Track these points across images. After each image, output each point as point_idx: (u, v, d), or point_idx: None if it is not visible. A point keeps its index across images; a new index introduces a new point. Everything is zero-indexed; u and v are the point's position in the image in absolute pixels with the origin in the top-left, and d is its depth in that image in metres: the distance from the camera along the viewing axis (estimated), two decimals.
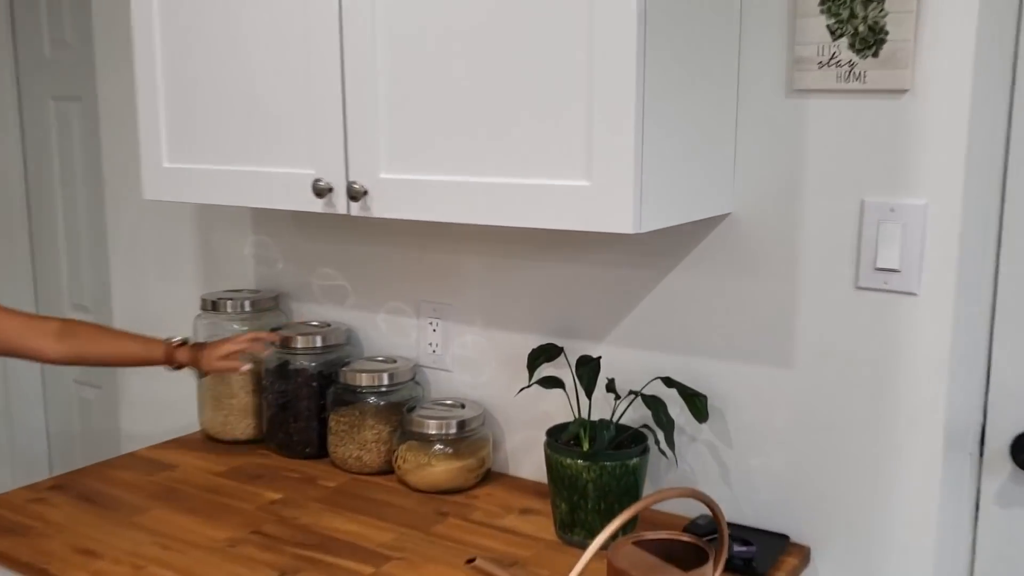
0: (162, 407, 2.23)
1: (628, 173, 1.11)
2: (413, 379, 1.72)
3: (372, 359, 1.75)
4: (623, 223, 1.13)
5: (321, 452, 1.75)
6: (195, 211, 2.08)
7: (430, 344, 1.74)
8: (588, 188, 1.14)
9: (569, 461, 1.36)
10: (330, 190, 1.37)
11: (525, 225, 1.20)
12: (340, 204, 1.37)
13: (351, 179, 1.35)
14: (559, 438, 1.42)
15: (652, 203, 1.15)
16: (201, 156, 1.54)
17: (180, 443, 1.86)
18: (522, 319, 1.63)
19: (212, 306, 1.84)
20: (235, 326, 1.83)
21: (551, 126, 1.16)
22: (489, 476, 1.66)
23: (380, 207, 1.33)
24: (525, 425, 1.65)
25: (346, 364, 1.72)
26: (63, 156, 2.57)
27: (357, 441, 1.67)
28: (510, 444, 1.67)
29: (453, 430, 1.59)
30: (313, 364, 1.74)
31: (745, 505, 1.43)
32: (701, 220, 1.41)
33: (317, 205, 1.39)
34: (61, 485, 1.63)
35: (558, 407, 1.60)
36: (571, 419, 1.54)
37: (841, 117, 1.28)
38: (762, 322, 1.38)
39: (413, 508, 1.54)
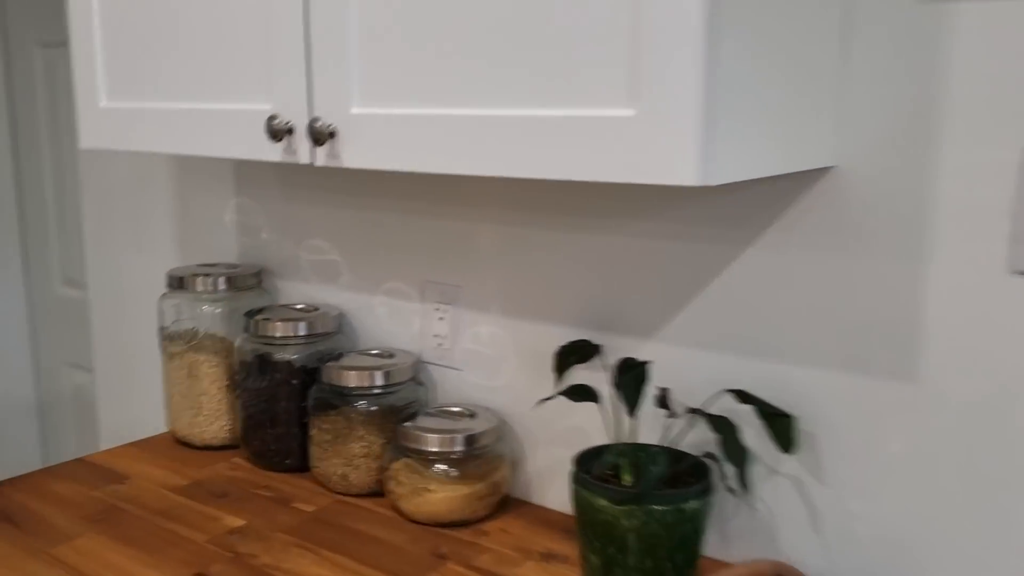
0: (142, 400, 1.93)
1: (692, 96, 0.75)
2: (414, 379, 1.37)
3: (366, 352, 1.41)
4: (683, 171, 0.76)
5: (304, 464, 1.42)
6: (172, 170, 1.76)
7: (436, 336, 1.39)
8: (634, 120, 0.78)
9: (603, 503, 1.00)
10: (289, 131, 1.03)
11: (543, 176, 0.84)
12: (302, 150, 1.03)
13: (314, 115, 1.00)
14: (590, 468, 1.06)
15: (725, 145, 0.79)
16: (142, 93, 1.21)
17: (144, 447, 1.55)
18: (550, 307, 1.27)
19: (179, 284, 1.51)
20: (205, 307, 1.50)
21: (579, 23, 0.80)
22: (506, 504, 1.31)
23: (352, 153, 0.98)
24: (552, 441, 1.30)
25: (335, 358, 1.38)
26: (51, 109, 2.28)
27: (343, 455, 1.33)
28: (533, 464, 1.32)
29: (459, 447, 1.24)
30: (296, 357, 1.40)
31: (842, 564, 1.06)
32: (793, 175, 1.03)
33: (274, 152, 1.05)
34: None
35: (595, 419, 1.25)
36: (609, 441, 1.18)
37: (1000, 28, 0.89)
38: (875, 317, 1.00)
39: (404, 546, 1.20)
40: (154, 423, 1.85)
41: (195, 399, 1.50)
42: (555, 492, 1.30)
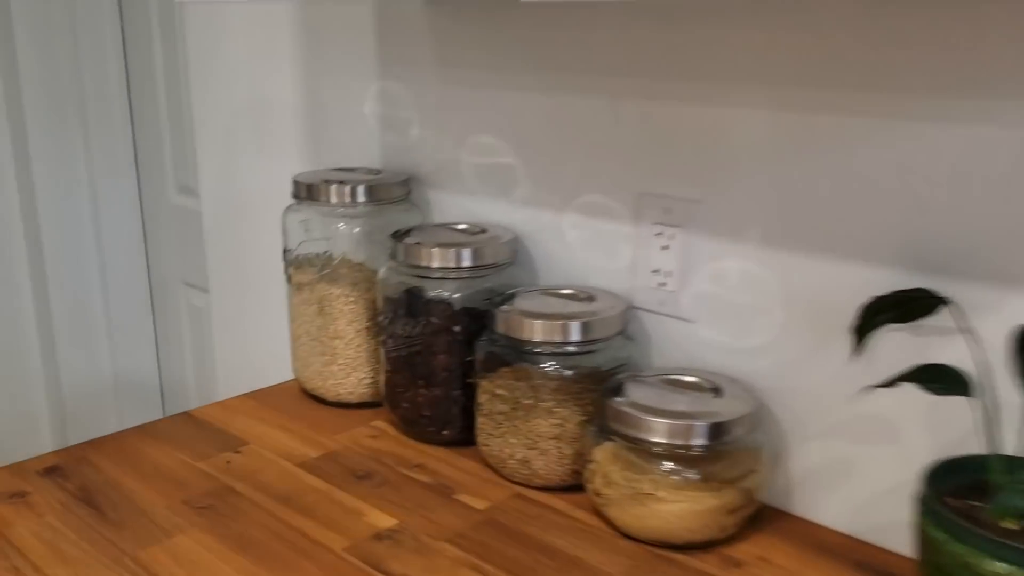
0: (264, 334, 1.61)
1: None
2: (623, 333, 0.98)
3: (553, 292, 1.03)
4: None
5: (467, 438, 1.07)
6: (297, 48, 1.39)
7: (656, 272, 1.00)
8: None
9: (998, 568, 0.60)
10: None
11: None
12: None
13: None
14: (950, 493, 0.66)
15: None
16: None
17: (265, 399, 1.22)
18: (847, 234, 0.86)
19: (307, 193, 1.15)
20: (341, 225, 1.15)
21: None
22: (760, 518, 0.93)
23: None
24: (832, 432, 0.90)
25: (510, 299, 1.01)
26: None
27: (524, 433, 0.97)
28: (800, 462, 0.93)
29: (701, 439, 0.86)
30: (457, 296, 1.04)
31: None
32: None
33: None
34: (59, 467, 1.02)
35: (903, 407, 0.84)
36: (979, 449, 0.77)
37: None
38: None
39: None
40: (277, 365, 1.53)
41: (327, 343, 1.16)
42: (836, 504, 0.91)
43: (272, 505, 0.95)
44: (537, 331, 0.95)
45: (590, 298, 1.01)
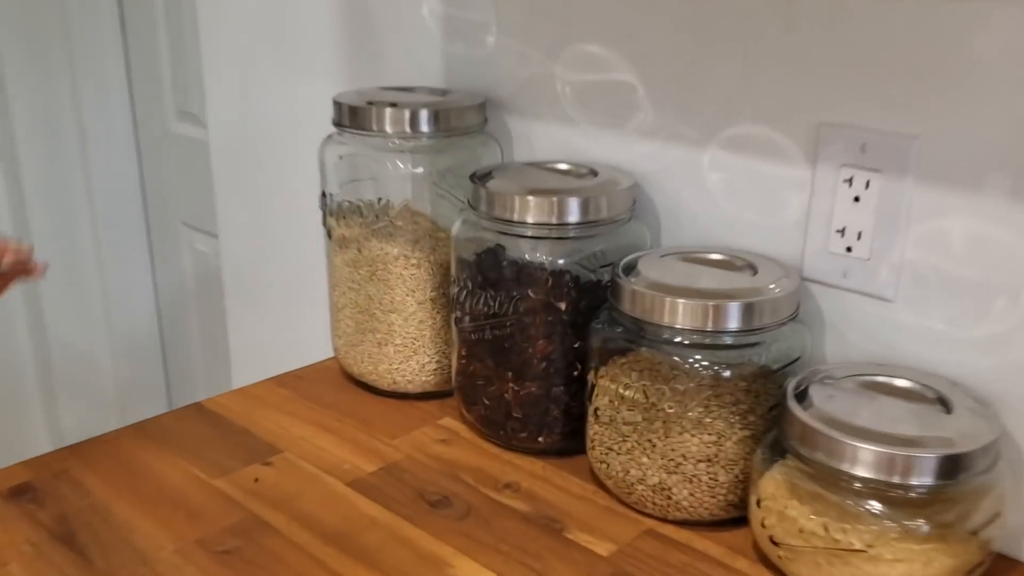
0: (294, 303, 1.34)
1: None
2: (796, 315, 0.72)
3: (695, 257, 0.77)
4: None
5: (569, 447, 0.81)
6: None
7: (841, 232, 0.73)
8: None
9: None
10: None
11: None
12: None
13: None
14: None
15: None
16: None
17: (297, 385, 0.96)
18: None
19: (352, 119, 0.88)
20: (398, 163, 0.87)
21: None
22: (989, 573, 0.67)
23: None
24: None
25: (632, 267, 0.75)
26: None
27: (661, 451, 0.71)
28: None
29: (930, 475, 0.60)
30: (562, 261, 0.77)
31: None
32: None
33: None
34: (30, 487, 0.77)
35: None
36: None
37: None
38: None
39: None
40: (313, 339, 1.25)
41: (381, 318, 0.89)
42: None
43: (319, 549, 0.70)
44: (682, 313, 0.69)
45: (749, 267, 0.74)
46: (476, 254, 0.81)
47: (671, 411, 0.70)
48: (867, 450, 0.61)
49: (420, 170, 0.87)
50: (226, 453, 0.83)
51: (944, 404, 0.65)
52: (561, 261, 0.77)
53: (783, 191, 0.76)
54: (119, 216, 1.87)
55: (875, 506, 0.62)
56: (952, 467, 0.61)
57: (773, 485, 0.67)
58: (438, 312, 0.89)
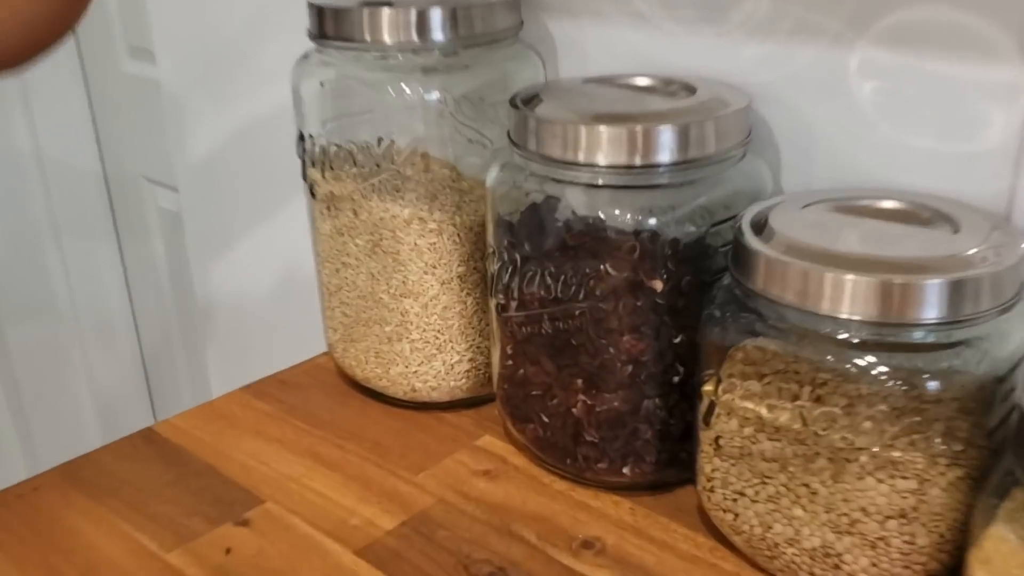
0: (271, 275, 1.09)
1: None
2: (1020, 297, 0.47)
3: (854, 206, 0.52)
4: None
5: (666, 477, 0.58)
6: None
7: None
8: None
9: None
10: None
11: None
12: None
13: None
14: None
15: None
16: None
17: (284, 396, 0.72)
18: None
19: (336, 25, 0.62)
20: (405, 89, 0.62)
21: None
22: None
23: None
24: None
25: (759, 224, 0.50)
26: None
27: (826, 500, 0.47)
28: None
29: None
30: (652, 220, 0.53)
31: None
32: None
33: None
34: None
35: None
36: None
37: None
38: None
39: None
40: (301, 328, 1.00)
41: (391, 305, 0.65)
42: None
43: None
44: (853, 297, 0.45)
45: (944, 220, 0.49)
46: (524, 212, 0.57)
47: (845, 444, 0.46)
48: None
49: (435, 96, 0.61)
50: (186, 507, 0.59)
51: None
52: (652, 221, 0.53)
53: (981, 103, 0.51)
54: (73, 175, 1.61)
55: None
56: None
57: (1007, 548, 0.43)
58: (469, 294, 0.65)
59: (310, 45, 0.65)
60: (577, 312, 0.55)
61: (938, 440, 0.45)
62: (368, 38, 0.61)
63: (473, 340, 0.66)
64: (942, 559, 0.48)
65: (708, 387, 0.52)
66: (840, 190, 0.55)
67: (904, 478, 0.46)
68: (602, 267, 0.53)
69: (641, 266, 0.53)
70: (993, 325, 0.46)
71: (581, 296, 0.54)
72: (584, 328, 0.55)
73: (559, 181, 0.55)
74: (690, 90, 0.57)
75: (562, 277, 0.55)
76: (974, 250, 0.46)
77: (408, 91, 0.62)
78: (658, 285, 0.53)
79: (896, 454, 0.46)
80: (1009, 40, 0.49)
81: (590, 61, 0.67)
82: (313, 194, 0.67)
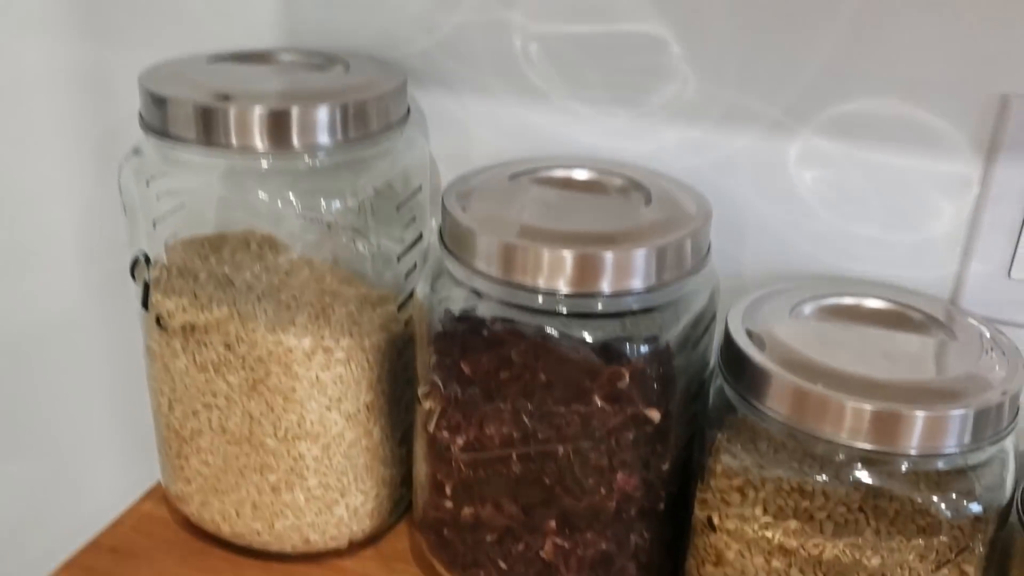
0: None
1: None
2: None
3: (839, 305, 0.50)
4: None
5: None
6: None
7: None
8: None
9: None
10: None
11: None
12: None
13: None
14: None
15: None
16: None
17: (126, 565, 0.57)
18: None
19: (203, 123, 0.48)
20: (290, 200, 0.50)
21: None
22: None
23: None
24: None
25: (758, 338, 0.47)
26: None
27: None
28: None
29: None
30: (645, 348, 0.47)
31: None
32: None
33: None
34: None
35: None
36: None
37: None
38: None
39: None
40: (117, 461, 0.80)
41: (278, 451, 0.53)
42: None
43: None
44: (870, 427, 0.43)
45: (938, 327, 0.49)
46: (470, 334, 0.49)
47: (887, 571, 0.44)
48: None
49: (338, 205, 0.50)
50: None
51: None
52: (645, 348, 0.47)
53: (928, 194, 0.52)
54: None
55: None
56: None
57: None
58: (375, 422, 0.55)
59: (137, 140, 0.51)
60: (558, 452, 0.48)
61: (973, 565, 0.45)
62: (235, 142, 0.48)
63: (380, 474, 0.56)
64: None
65: (716, 520, 0.48)
66: (829, 290, 0.52)
67: None
68: (593, 401, 0.47)
69: (634, 396, 0.47)
70: (1002, 446, 0.46)
71: (564, 435, 0.48)
72: (566, 468, 0.48)
73: (515, 306, 0.47)
74: (642, 189, 0.52)
75: (539, 414, 0.48)
76: (984, 365, 0.46)
77: (296, 202, 0.50)
78: (655, 415, 0.48)
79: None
80: (960, 134, 0.50)
81: (474, 142, 0.59)
82: (160, 325, 0.53)
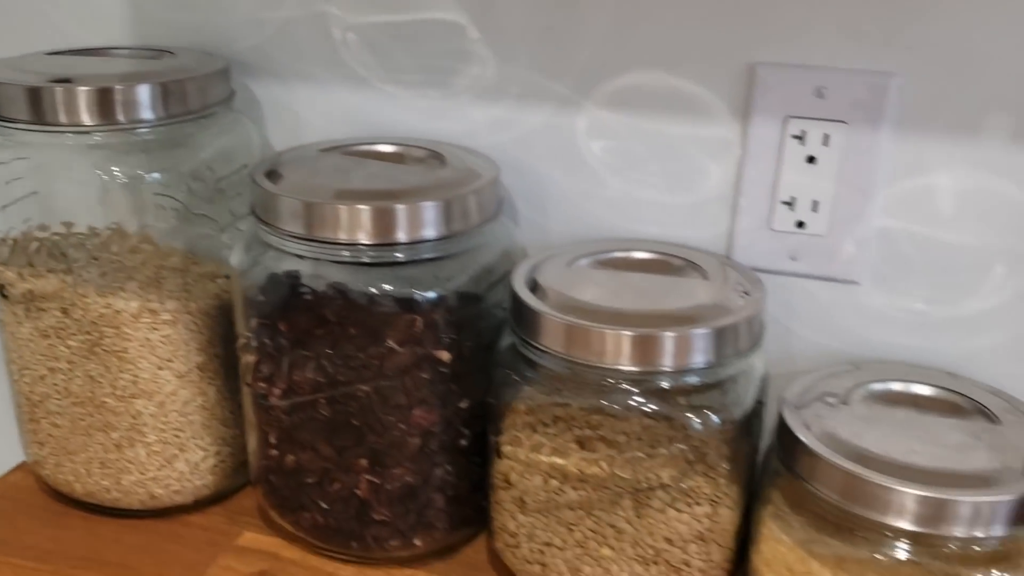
0: None
1: None
2: (762, 329, 0.54)
3: (610, 256, 0.56)
4: None
5: (457, 539, 0.58)
6: None
7: (789, 204, 0.57)
8: None
9: None
10: None
11: None
12: None
13: None
14: None
15: None
16: None
17: None
18: None
19: (19, 104, 0.54)
20: (113, 172, 0.55)
21: None
22: None
23: None
24: None
25: (532, 284, 0.53)
26: None
27: (629, 538, 0.51)
28: None
29: (1002, 523, 0.47)
30: (431, 293, 0.52)
31: None
32: None
33: None
34: None
35: None
36: None
37: None
38: None
39: None
40: None
41: (118, 410, 0.58)
42: None
43: None
44: (629, 349, 0.49)
45: (693, 268, 0.55)
46: (278, 292, 0.54)
47: (641, 480, 0.50)
48: (918, 496, 0.46)
49: (153, 176, 0.56)
50: None
51: (984, 414, 0.52)
52: (431, 294, 0.53)
53: (699, 158, 0.58)
54: None
55: (934, 566, 0.47)
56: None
57: (785, 552, 0.50)
58: (210, 383, 0.60)
59: None
60: (360, 394, 0.53)
61: (723, 465, 0.51)
62: (65, 119, 0.53)
63: (218, 430, 0.61)
64: (731, 568, 0.53)
65: (506, 448, 0.53)
66: (599, 242, 0.58)
67: (700, 505, 0.51)
68: (386, 345, 0.52)
69: (426, 340, 0.52)
70: (747, 362, 0.52)
71: (364, 376, 0.53)
72: (370, 408, 0.53)
73: (319, 259, 0.53)
74: (438, 158, 0.58)
75: (342, 359, 0.53)
76: (729, 297, 0.52)
77: (119, 173, 0.55)
78: (444, 356, 0.53)
79: (692, 484, 0.50)
80: (719, 101, 0.56)
81: (305, 126, 0.64)
82: (4, 295, 0.57)
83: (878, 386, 0.54)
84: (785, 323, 0.59)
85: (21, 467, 0.66)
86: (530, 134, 0.60)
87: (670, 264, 0.56)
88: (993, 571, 0.47)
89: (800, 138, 0.55)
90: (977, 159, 0.53)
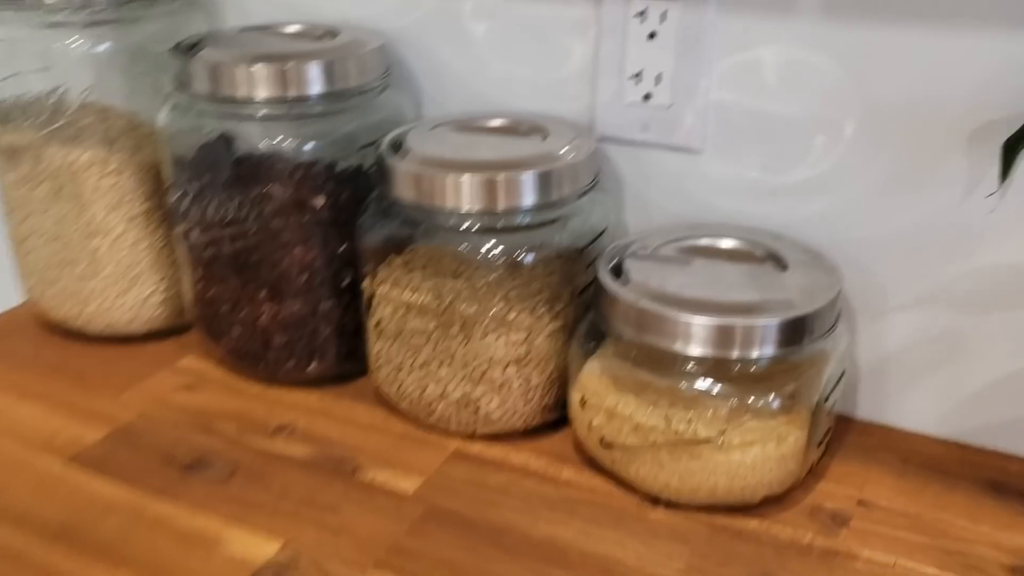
0: None
1: None
2: (595, 182, 0.61)
3: (471, 125, 0.64)
4: None
5: (347, 370, 0.68)
6: None
7: (637, 78, 0.63)
8: None
9: None
10: None
11: None
12: None
13: None
14: None
15: None
16: None
17: None
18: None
19: None
20: (68, 44, 0.67)
21: None
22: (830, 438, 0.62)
23: None
24: (930, 300, 0.60)
25: (399, 144, 0.61)
26: None
27: (462, 359, 0.59)
28: (877, 350, 0.63)
29: (772, 345, 0.53)
30: (309, 145, 0.62)
31: None
32: None
33: None
34: None
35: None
36: None
37: None
38: None
39: None
40: None
41: (80, 245, 0.70)
42: (934, 403, 0.62)
43: (43, 550, 0.53)
44: (467, 192, 0.56)
45: (538, 131, 0.62)
46: (197, 148, 0.64)
47: (470, 312, 0.58)
48: (703, 324, 0.52)
49: (104, 47, 0.67)
50: None
51: (777, 261, 0.58)
52: (309, 146, 0.62)
53: (564, 37, 0.65)
54: None
55: (717, 387, 0.54)
56: (797, 331, 0.53)
57: (595, 379, 0.57)
58: (157, 228, 0.71)
59: None
60: (252, 231, 0.63)
61: (538, 300, 0.58)
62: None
63: (166, 272, 0.72)
64: (553, 393, 0.61)
65: (366, 283, 0.62)
66: (464, 114, 0.66)
67: (516, 333, 0.58)
68: (269, 189, 0.62)
69: (303, 187, 0.62)
70: (574, 206, 0.59)
71: (253, 216, 0.63)
72: (261, 245, 0.64)
73: (225, 117, 0.63)
74: (332, 34, 0.67)
75: (236, 201, 0.63)
76: (558, 150, 0.59)
77: (74, 46, 0.66)
78: (319, 202, 0.62)
79: (509, 315, 0.58)
80: None
81: (251, 14, 0.74)
82: None
83: (688, 242, 0.60)
84: (643, 191, 0.65)
85: (24, 306, 0.80)
86: (427, 17, 0.68)
87: (517, 129, 0.63)
88: (771, 391, 0.53)
89: (642, 15, 0.61)
90: (794, 34, 0.57)
